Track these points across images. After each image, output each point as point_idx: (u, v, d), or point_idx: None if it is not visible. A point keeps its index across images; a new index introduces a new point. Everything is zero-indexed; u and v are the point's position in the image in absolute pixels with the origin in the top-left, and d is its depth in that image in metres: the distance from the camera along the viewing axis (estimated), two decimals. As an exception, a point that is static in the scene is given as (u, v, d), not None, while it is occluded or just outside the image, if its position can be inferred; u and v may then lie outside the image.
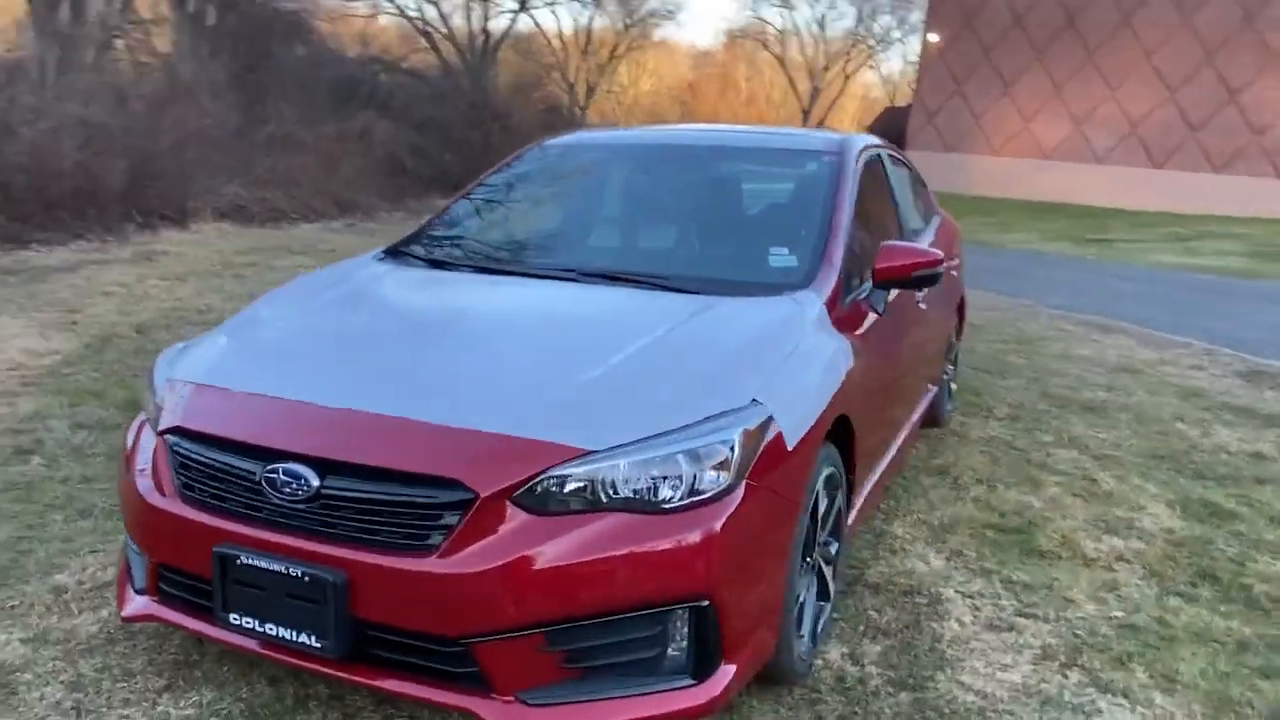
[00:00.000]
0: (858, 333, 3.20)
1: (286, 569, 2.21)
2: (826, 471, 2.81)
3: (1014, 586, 3.48)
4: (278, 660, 2.35)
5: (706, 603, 2.23)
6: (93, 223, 11.63)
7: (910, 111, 36.24)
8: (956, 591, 3.42)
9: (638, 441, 2.23)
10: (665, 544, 2.19)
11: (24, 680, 2.57)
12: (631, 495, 2.20)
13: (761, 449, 2.38)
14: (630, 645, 2.23)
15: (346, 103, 20.67)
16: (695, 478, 2.24)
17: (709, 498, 2.25)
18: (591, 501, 2.18)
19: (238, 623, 2.31)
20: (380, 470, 2.21)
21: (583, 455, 2.19)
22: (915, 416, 4.44)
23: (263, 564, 2.24)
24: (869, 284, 3.42)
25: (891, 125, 41.88)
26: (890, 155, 4.64)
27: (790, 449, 2.48)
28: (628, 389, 2.39)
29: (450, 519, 2.15)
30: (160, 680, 2.61)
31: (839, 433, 2.99)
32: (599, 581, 2.15)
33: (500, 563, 2.11)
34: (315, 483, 2.23)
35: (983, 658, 2.98)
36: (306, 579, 2.20)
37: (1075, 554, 3.78)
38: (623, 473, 2.20)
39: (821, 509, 2.82)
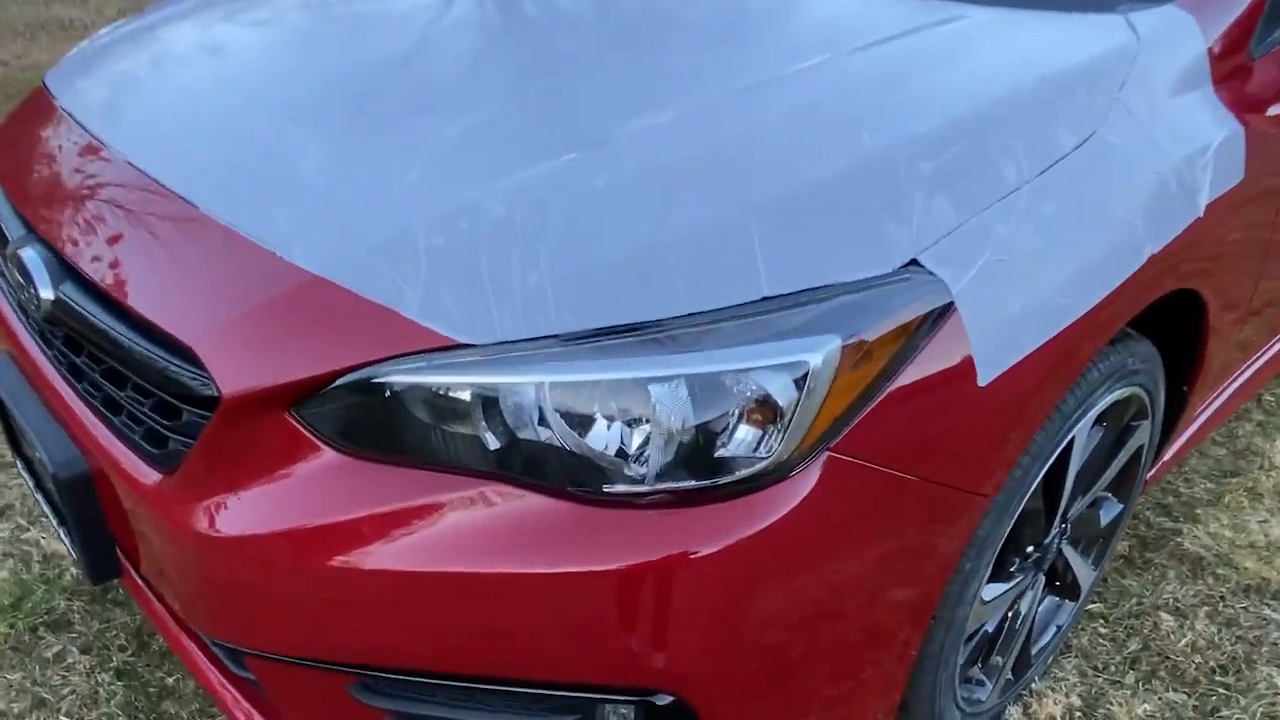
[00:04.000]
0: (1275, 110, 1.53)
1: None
2: (1111, 398, 1.38)
3: None
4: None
5: (670, 699, 1.04)
6: None
7: None
8: (1355, 614, 1.86)
9: (574, 338, 0.98)
10: (597, 576, 0.98)
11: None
12: (547, 451, 0.99)
13: (898, 380, 1.03)
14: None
15: None
16: (699, 437, 0.97)
17: (728, 487, 0.98)
18: (461, 447, 1.01)
19: (20, 469, 1.49)
20: (112, 296, 1.17)
21: (449, 349, 0.99)
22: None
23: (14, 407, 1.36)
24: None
25: None
26: None
27: (990, 380, 1.09)
28: (610, 215, 1.09)
29: (199, 420, 1.10)
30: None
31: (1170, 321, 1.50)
32: (454, 614, 1.02)
33: (246, 531, 1.04)
34: (46, 293, 1.24)
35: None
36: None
37: None
38: (535, 399, 0.98)
39: (1077, 465, 1.42)
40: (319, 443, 1.03)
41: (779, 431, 0.98)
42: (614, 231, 1.04)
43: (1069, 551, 1.61)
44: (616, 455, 0.97)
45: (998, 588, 1.41)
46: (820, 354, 0.97)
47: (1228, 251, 1.48)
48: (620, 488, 0.98)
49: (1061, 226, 1.15)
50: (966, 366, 1.08)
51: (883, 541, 1.08)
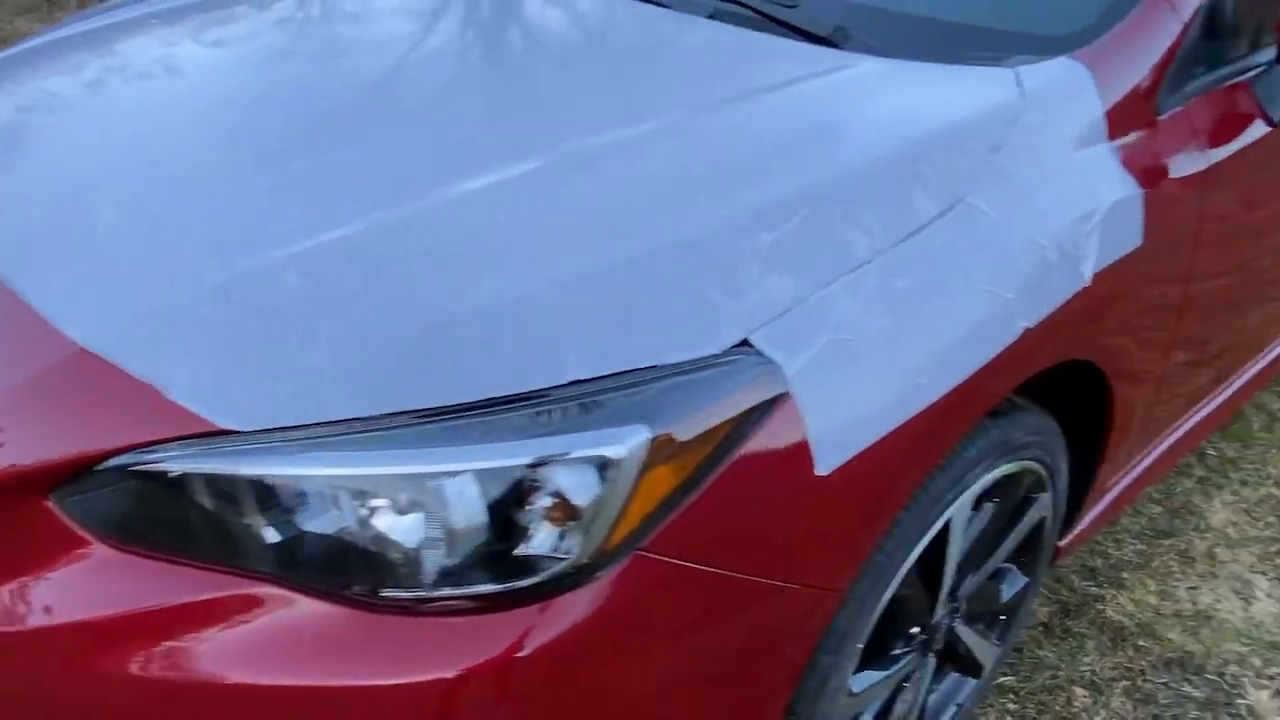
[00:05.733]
0: (1200, 168, 1.45)
1: None
2: (995, 474, 1.30)
3: None
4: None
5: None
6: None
7: None
8: (1284, 694, 1.77)
9: (351, 425, 0.89)
10: (372, 694, 0.89)
11: None
12: (324, 548, 0.90)
13: (724, 472, 0.94)
14: None
15: None
16: (490, 537, 0.89)
17: (525, 591, 0.90)
18: (229, 542, 0.91)
19: None
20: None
21: (215, 434, 0.90)
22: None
23: None
24: (1267, 55, 1.58)
25: None
26: None
27: (832, 469, 1.00)
28: (407, 286, 0.99)
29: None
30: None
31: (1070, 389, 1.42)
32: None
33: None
34: None
35: None
36: None
37: None
38: (306, 491, 0.89)
39: (958, 546, 1.33)
40: (83, 534, 0.94)
41: (578, 531, 0.89)
42: (409, 305, 0.96)
43: (964, 630, 1.51)
44: (397, 555, 0.89)
45: (872, 676, 1.31)
46: (624, 447, 0.89)
47: (1129, 320, 1.40)
48: (402, 592, 0.89)
49: (918, 301, 1.07)
50: (804, 454, 0.99)
51: (713, 644, 1.00)
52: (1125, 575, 2.01)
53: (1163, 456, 1.95)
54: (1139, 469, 1.88)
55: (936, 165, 1.14)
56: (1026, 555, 1.57)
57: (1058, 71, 1.30)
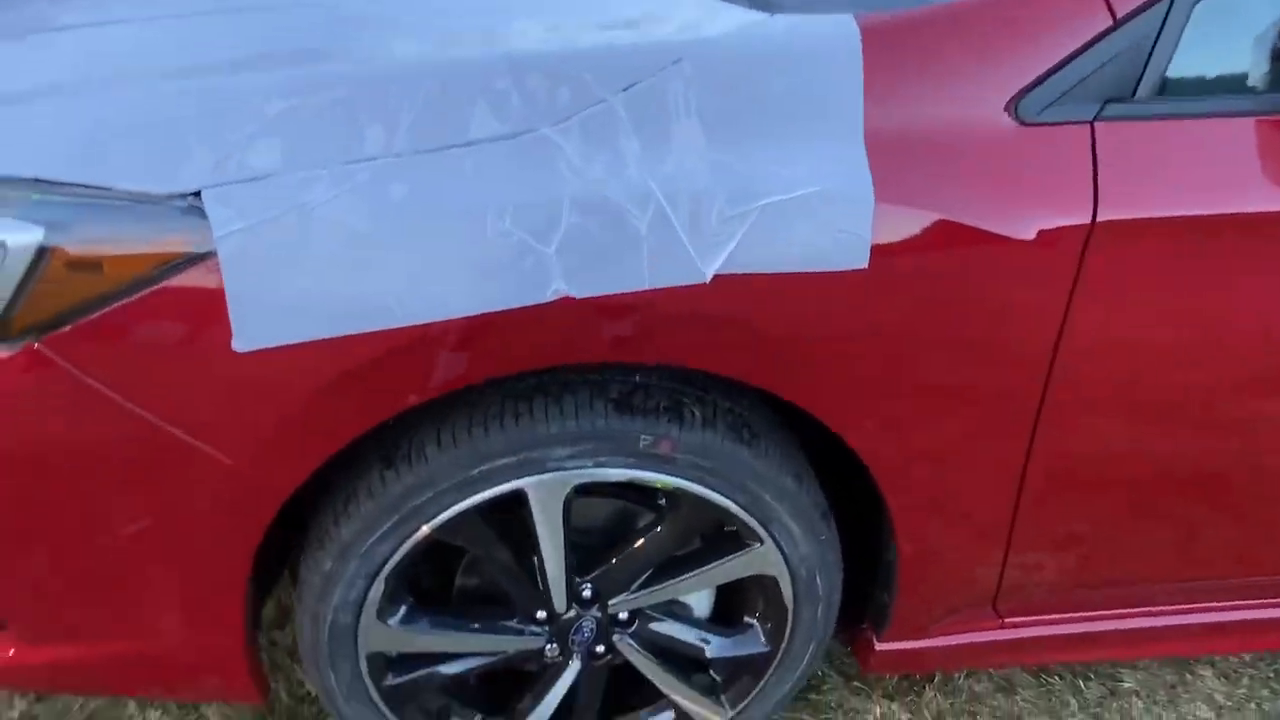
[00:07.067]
0: (1095, 218, 1.06)
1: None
2: (602, 472, 1.16)
3: None
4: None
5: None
6: None
7: None
8: None
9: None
10: None
11: None
12: None
13: (132, 302, 0.99)
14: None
15: None
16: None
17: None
18: None
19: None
20: None
21: None
22: None
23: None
24: None
25: None
26: None
27: (249, 348, 0.98)
28: None
29: None
30: None
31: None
32: None
33: None
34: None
35: None
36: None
37: None
38: None
39: (550, 529, 1.18)
40: None
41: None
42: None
43: (639, 657, 1.32)
44: None
45: (432, 626, 1.24)
46: (15, 236, 0.96)
47: (869, 375, 1.09)
48: None
49: (411, 216, 0.97)
50: (223, 322, 0.98)
51: (118, 468, 1.05)
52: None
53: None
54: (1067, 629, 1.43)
55: (524, 88, 0.99)
56: (770, 620, 1.32)
57: (813, 27, 1.02)
